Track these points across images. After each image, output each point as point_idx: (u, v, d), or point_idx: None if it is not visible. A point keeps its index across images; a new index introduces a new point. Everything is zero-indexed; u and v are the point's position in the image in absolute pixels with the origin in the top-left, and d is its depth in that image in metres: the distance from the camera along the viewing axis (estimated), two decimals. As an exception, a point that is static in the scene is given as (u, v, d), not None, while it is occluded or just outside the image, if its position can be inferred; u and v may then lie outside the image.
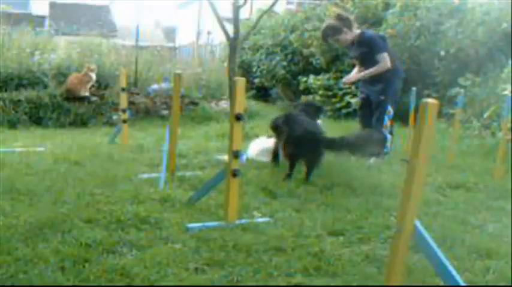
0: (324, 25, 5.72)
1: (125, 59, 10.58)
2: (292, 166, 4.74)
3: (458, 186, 4.76)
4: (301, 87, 10.45)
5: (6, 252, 2.84)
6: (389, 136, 5.64)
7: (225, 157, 4.12)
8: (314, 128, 4.86)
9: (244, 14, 11.45)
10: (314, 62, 10.80)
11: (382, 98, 5.51)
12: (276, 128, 5.12)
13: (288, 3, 18.05)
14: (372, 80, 5.55)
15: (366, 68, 5.53)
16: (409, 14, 9.06)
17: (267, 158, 5.36)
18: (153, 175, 4.69)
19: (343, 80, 5.99)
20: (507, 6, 7.73)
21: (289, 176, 4.69)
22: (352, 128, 6.85)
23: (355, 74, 5.72)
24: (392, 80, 5.56)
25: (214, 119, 9.03)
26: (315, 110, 5.38)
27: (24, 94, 8.49)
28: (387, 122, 5.60)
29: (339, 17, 5.59)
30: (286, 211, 3.82)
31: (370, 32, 5.82)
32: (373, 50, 5.42)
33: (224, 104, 9.86)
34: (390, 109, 5.59)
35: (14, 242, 2.98)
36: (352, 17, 5.79)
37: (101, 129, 8.15)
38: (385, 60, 5.38)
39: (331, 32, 5.53)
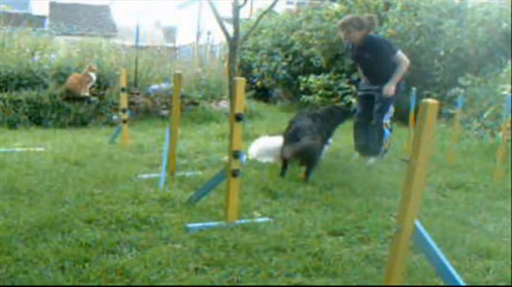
0: (353, 15, 5.62)
1: (125, 59, 10.58)
2: (283, 165, 4.85)
3: (458, 186, 4.76)
4: (302, 87, 10.45)
5: (6, 252, 2.84)
6: (388, 132, 5.62)
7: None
8: (301, 127, 4.87)
9: (244, 14, 11.48)
10: (314, 62, 10.80)
11: (388, 97, 5.48)
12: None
13: (288, 3, 18.05)
14: (376, 79, 5.52)
15: (374, 70, 5.48)
16: (409, 14, 9.07)
17: (268, 159, 5.35)
18: (153, 175, 4.69)
19: (386, 92, 5.37)
20: (507, 6, 7.73)
21: (281, 175, 4.79)
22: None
23: (391, 82, 5.35)
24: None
25: (214, 119, 9.03)
26: (339, 114, 5.39)
27: (24, 94, 8.49)
28: (388, 120, 5.59)
29: (368, 16, 5.57)
30: (286, 211, 3.82)
31: (375, 35, 5.69)
32: (386, 51, 5.38)
33: (224, 104, 9.86)
34: (391, 108, 5.58)
35: (14, 242, 2.98)
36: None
37: (101, 129, 8.15)
38: (404, 58, 5.36)
39: (357, 24, 5.37)
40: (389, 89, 5.34)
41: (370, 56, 5.41)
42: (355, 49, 5.55)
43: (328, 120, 5.22)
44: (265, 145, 5.54)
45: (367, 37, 5.42)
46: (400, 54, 5.39)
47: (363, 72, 5.77)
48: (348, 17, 5.60)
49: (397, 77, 5.37)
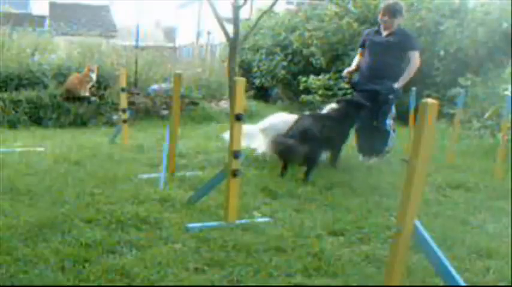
0: (399, 1, 5.63)
1: (125, 59, 10.58)
2: (283, 166, 4.83)
3: (458, 186, 4.76)
4: (301, 87, 10.45)
5: (6, 252, 2.84)
6: (392, 133, 5.62)
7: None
8: (302, 127, 4.85)
9: (244, 14, 11.47)
10: (314, 62, 10.80)
11: (391, 96, 5.47)
12: None
13: (288, 3, 18.05)
14: (379, 71, 5.48)
15: (385, 59, 5.45)
16: (409, 14, 9.06)
17: (263, 149, 5.29)
18: (153, 175, 4.69)
19: (398, 85, 5.44)
20: (507, 6, 7.73)
21: (281, 175, 4.79)
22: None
23: (403, 79, 5.43)
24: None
25: (214, 119, 9.03)
26: (353, 108, 5.29)
27: (24, 94, 8.49)
28: (390, 121, 5.58)
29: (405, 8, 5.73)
30: (286, 211, 3.83)
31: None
32: (407, 45, 5.42)
33: (224, 104, 9.87)
34: (393, 108, 5.59)
35: (14, 242, 2.98)
36: None
37: (101, 129, 8.15)
38: (417, 61, 5.41)
39: (401, 11, 5.50)
40: (399, 84, 5.38)
41: (392, 43, 5.42)
42: (380, 33, 5.57)
43: (341, 121, 5.15)
44: (276, 121, 5.44)
45: (400, 27, 5.56)
46: (416, 55, 5.41)
47: (370, 60, 5.61)
48: (394, 2, 5.58)
49: (408, 75, 5.39)
